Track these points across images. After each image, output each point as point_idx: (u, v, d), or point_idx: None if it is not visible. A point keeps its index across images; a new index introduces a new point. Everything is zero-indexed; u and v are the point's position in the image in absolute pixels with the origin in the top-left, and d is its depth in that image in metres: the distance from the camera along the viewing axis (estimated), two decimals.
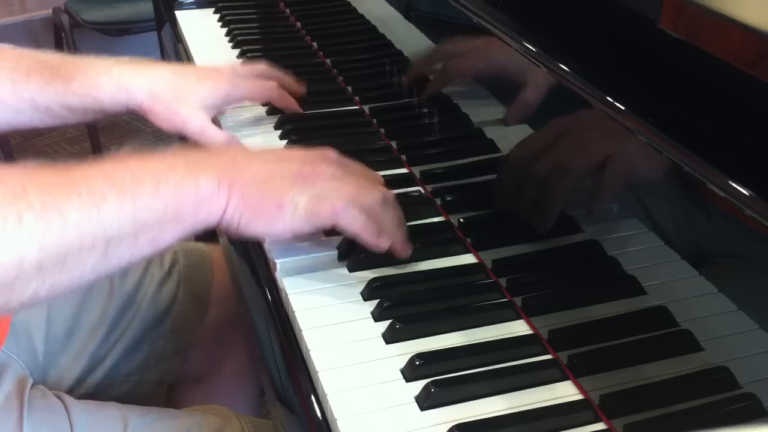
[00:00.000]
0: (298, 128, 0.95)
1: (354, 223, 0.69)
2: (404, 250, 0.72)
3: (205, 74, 0.92)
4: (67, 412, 0.83)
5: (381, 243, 0.70)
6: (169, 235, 0.64)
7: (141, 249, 0.63)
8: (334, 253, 0.75)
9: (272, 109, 1.00)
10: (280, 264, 0.73)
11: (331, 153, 0.73)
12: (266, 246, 0.76)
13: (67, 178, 0.60)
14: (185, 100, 0.87)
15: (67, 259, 0.58)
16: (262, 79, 0.95)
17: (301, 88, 0.99)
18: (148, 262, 1.03)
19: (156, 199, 0.62)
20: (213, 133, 0.88)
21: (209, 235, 1.00)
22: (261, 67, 0.98)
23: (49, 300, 0.60)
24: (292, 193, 0.67)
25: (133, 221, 0.61)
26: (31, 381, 0.87)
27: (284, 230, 0.68)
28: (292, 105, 0.97)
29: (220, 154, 0.70)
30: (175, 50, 1.26)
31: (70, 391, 0.95)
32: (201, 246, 1.11)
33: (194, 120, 0.87)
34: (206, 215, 0.66)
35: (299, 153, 0.73)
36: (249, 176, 0.67)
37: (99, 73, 0.86)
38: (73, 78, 0.85)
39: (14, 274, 0.56)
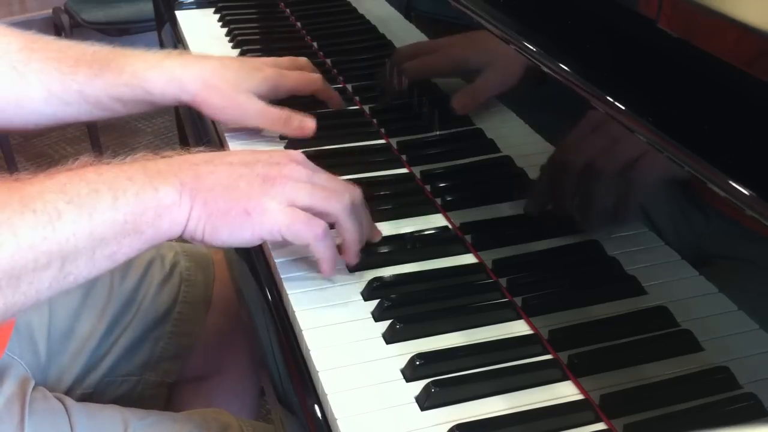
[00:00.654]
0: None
1: (325, 247, 0.67)
2: (354, 257, 0.71)
3: (254, 65, 0.91)
4: (68, 414, 0.83)
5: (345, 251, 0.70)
6: (128, 248, 0.62)
7: (99, 264, 0.61)
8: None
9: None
10: (280, 264, 0.73)
11: (297, 154, 0.71)
12: (267, 245, 0.76)
13: (21, 194, 0.58)
14: (239, 89, 0.86)
15: (21, 279, 0.57)
16: (306, 71, 0.95)
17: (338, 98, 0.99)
18: (149, 263, 1.03)
19: (114, 211, 0.60)
20: (274, 112, 0.87)
21: None
22: (303, 60, 0.98)
23: (4, 320, 0.58)
24: (259, 198, 0.65)
25: (90, 236, 0.59)
26: (32, 383, 0.87)
27: (252, 238, 0.66)
28: (335, 97, 0.97)
29: (180, 162, 0.67)
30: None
31: (70, 391, 0.95)
32: (202, 248, 1.11)
33: (252, 105, 0.86)
34: (168, 226, 0.63)
35: (265, 155, 0.70)
36: (212, 182, 0.65)
37: (150, 66, 0.85)
38: (124, 70, 0.84)
39: None
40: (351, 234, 0.69)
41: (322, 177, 0.70)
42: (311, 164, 0.71)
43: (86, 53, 0.86)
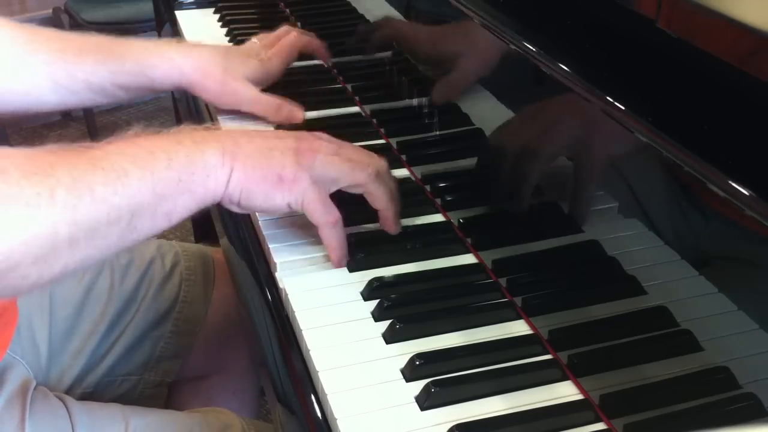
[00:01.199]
0: (297, 129, 0.95)
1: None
2: (394, 224, 0.75)
3: (246, 53, 0.96)
4: (69, 413, 0.84)
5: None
6: (182, 207, 0.66)
7: (158, 222, 0.65)
8: None
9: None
10: (280, 263, 0.73)
11: (321, 133, 0.75)
12: (267, 245, 0.76)
13: (88, 155, 0.62)
14: (234, 75, 0.91)
15: (96, 232, 0.60)
16: (283, 38, 1.00)
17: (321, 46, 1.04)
18: (150, 263, 1.03)
19: (170, 171, 0.65)
20: (267, 99, 0.92)
21: (210, 236, 1.01)
22: (282, 30, 1.02)
23: (76, 272, 0.64)
24: (292, 167, 0.69)
25: (153, 193, 0.63)
26: (34, 383, 0.87)
27: (281, 204, 0.70)
28: (319, 47, 1.02)
29: (221, 132, 0.72)
30: None
31: (71, 390, 0.95)
32: (203, 248, 1.11)
33: (247, 92, 0.91)
34: (214, 186, 0.68)
35: (295, 132, 0.75)
36: (249, 150, 0.69)
37: (152, 54, 0.89)
38: (127, 58, 0.88)
39: (49, 249, 0.58)
40: (380, 201, 0.73)
41: (348, 150, 0.74)
42: (336, 140, 0.75)
43: (89, 43, 0.89)
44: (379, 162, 0.74)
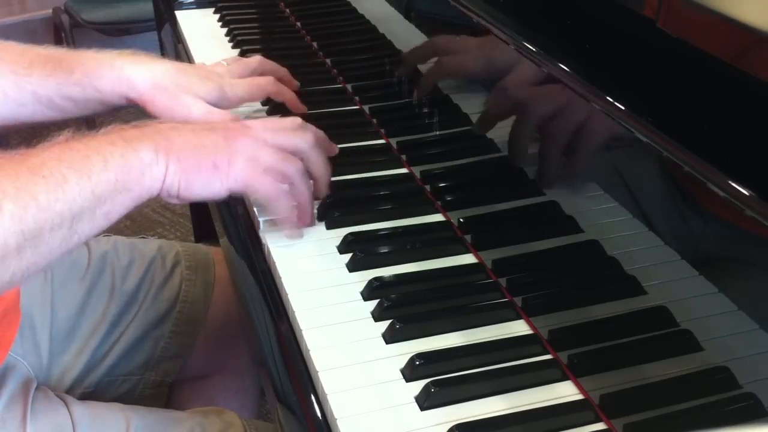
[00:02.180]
0: None
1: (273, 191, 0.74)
2: (325, 190, 0.79)
3: (206, 74, 0.92)
4: (70, 413, 0.84)
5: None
6: (120, 206, 0.68)
7: (98, 223, 0.67)
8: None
9: (272, 110, 1.00)
10: (280, 263, 0.73)
11: (253, 121, 0.78)
12: (268, 246, 0.76)
13: (28, 164, 0.63)
14: (188, 92, 0.88)
15: (40, 239, 0.62)
16: (258, 76, 0.96)
17: (296, 83, 1.00)
18: (151, 263, 1.03)
19: (107, 172, 0.66)
20: (218, 115, 0.89)
21: (211, 236, 1.01)
22: (255, 61, 0.98)
23: (20, 283, 0.65)
24: (224, 152, 0.72)
25: (92, 195, 0.65)
26: (35, 383, 0.87)
27: (221, 190, 0.72)
28: (291, 99, 0.97)
29: (151, 128, 0.72)
30: (175, 50, 1.26)
31: (72, 390, 0.95)
32: (203, 247, 1.11)
33: (197, 107, 0.88)
34: (150, 182, 0.69)
35: (224, 122, 0.79)
36: (181, 143, 0.71)
37: (101, 64, 0.86)
38: (75, 69, 0.86)
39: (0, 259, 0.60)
40: (301, 195, 0.76)
41: (278, 123, 0.78)
42: (263, 122, 0.79)
43: (41, 55, 0.87)
44: (306, 149, 0.77)
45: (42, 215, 0.62)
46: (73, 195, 0.64)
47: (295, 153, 0.76)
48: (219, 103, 0.90)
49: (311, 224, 0.78)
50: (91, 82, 0.86)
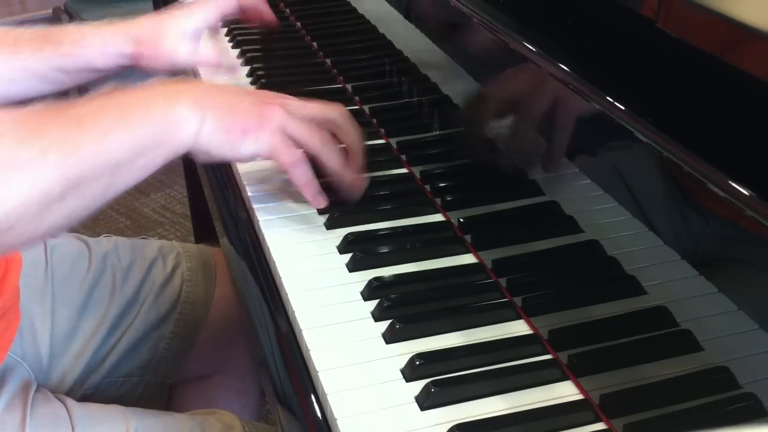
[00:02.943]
0: None
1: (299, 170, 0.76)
2: (353, 183, 0.79)
3: (178, 8, 0.97)
4: (69, 415, 0.83)
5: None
6: (158, 158, 0.70)
7: (136, 173, 0.69)
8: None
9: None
10: (280, 263, 0.73)
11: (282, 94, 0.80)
12: (268, 246, 0.76)
13: (73, 113, 0.66)
14: (167, 35, 0.92)
15: (83, 188, 0.64)
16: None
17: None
18: (151, 264, 1.03)
19: (147, 126, 0.69)
20: (203, 53, 0.96)
21: (211, 237, 1.01)
22: None
23: (62, 228, 0.66)
24: (256, 120, 0.74)
25: (131, 148, 0.67)
26: (35, 385, 0.87)
27: (247, 154, 0.75)
28: (266, 12, 1.02)
29: (192, 85, 0.76)
30: None
31: (72, 391, 0.95)
32: (203, 248, 1.11)
33: (181, 49, 0.93)
34: (186, 137, 0.71)
35: (263, 91, 0.83)
36: (218, 102, 0.73)
37: (86, 33, 0.91)
38: (62, 41, 0.89)
39: (43, 207, 0.62)
40: (331, 164, 0.77)
41: (307, 108, 0.79)
42: (301, 100, 0.80)
43: (24, 33, 0.91)
44: (337, 117, 0.79)
45: (85, 164, 0.64)
46: (115, 146, 0.66)
47: (326, 123, 0.78)
48: (201, 24, 0.95)
49: (361, 189, 0.80)
50: (79, 52, 0.90)
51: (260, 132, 0.74)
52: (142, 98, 0.70)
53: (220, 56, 0.99)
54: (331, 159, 0.77)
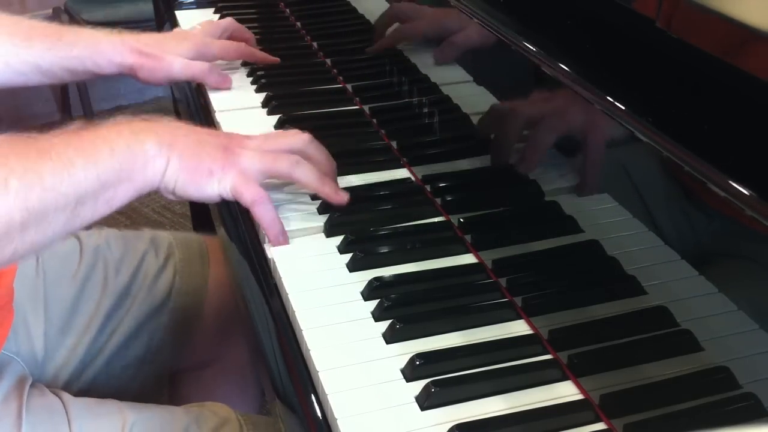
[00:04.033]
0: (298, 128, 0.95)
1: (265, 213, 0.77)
2: (335, 197, 0.79)
3: (183, 35, 1.07)
4: (66, 409, 0.83)
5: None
6: (122, 193, 0.71)
7: (100, 208, 0.70)
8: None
9: (267, 103, 1.01)
10: (280, 263, 0.73)
11: (251, 135, 0.82)
12: (269, 247, 0.76)
13: (37, 146, 0.67)
14: (167, 52, 1.00)
15: (44, 218, 0.65)
16: (230, 38, 1.10)
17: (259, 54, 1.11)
18: (143, 255, 1.03)
19: (112, 160, 0.70)
20: (197, 66, 1.02)
21: (205, 225, 1.01)
22: (226, 22, 1.12)
23: (22, 259, 0.70)
24: (221, 162, 0.76)
25: (96, 181, 0.68)
26: (30, 380, 0.87)
27: (213, 195, 0.77)
28: (261, 58, 1.10)
29: (158, 124, 0.77)
30: None
31: (68, 386, 0.95)
32: (196, 237, 1.11)
33: (177, 62, 1.00)
34: (152, 175, 0.73)
35: (227, 133, 0.85)
36: (184, 143, 0.75)
37: (99, 40, 0.98)
38: (76, 44, 0.96)
39: (3, 234, 0.63)
40: (308, 184, 0.79)
41: (272, 143, 0.81)
42: (263, 136, 0.82)
43: (36, 27, 0.96)
44: (303, 142, 0.81)
45: (47, 195, 0.65)
46: (78, 179, 0.67)
47: (291, 153, 0.79)
48: (196, 58, 1.03)
49: (344, 202, 0.79)
50: (91, 57, 0.96)
51: (224, 173, 0.76)
52: (108, 134, 0.71)
53: (212, 69, 1.03)
54: (304, 177, 0.78)
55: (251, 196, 0.76)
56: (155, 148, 0.73)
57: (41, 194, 0.64)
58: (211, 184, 0.76)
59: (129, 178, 0.71)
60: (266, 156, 0.78)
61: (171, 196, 0.76)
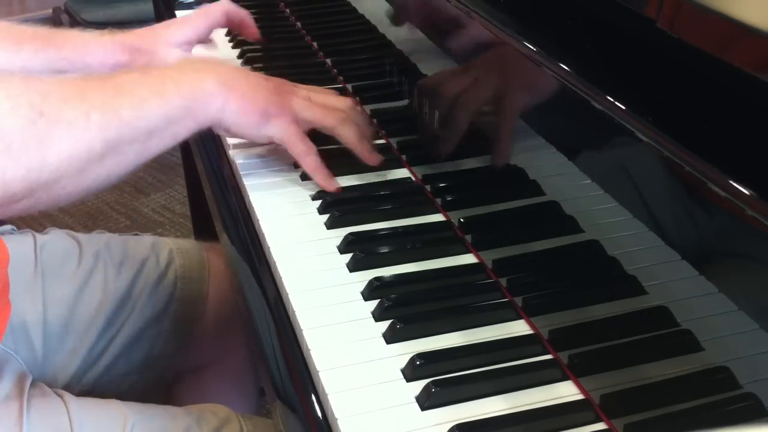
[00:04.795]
0: None
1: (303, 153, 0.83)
2: (369, 156, 0.85)
3: (170, 21, 1.06)
4: (67, 409, 0.84)
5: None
6: (186, 128, 0.77)
7: (166, 141, 0.75)
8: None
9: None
10: (280, 262, 0.73)
11: (300, 85, 0.88)
12: (269, 247, 0.76)
13: (113, 83, 0.73)
14: (159, 44, 0.99)
15: (120, 149, 0.71)
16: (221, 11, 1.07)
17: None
18: (144, 261, 1.03)
19: (179, 98, 0.75)
20: (194, 56, 1.02)
21: (211, 237, 1.01)
22: (220, 3, 1.09)
23: (100, 186, 0.73)
24: (275, 106, 0.81)
25: (165, 117, 0.74)
26: (30, 378, 0.87)
27: (264, 134, 0.82)
28: (250, 28, 1.09)
29: (218, 64, 0.82)
30: None
31: (69, 387, 0.95)
32: (196, 244, 1.12)
33: (172, 55, 0.99)
34: (212, 112, 0.78)
35: (277, 78, 0.87)
36: (241, 84, 0.80)
37: (88, 41, 0.97)
38: (64, 46, 0.95)
39: (85, 163, 0.68)
40: (349, 141, 0.84)
41: (321, 96, 0.86)
42: (313, 88, 0.88)
43: (25, 32, 0.95)
44: (348, 105, 0.86)
45: (123, 128, 0.70)
46: (149, 114, 0.72)
47: (336, 110, 0.85)
48: (191, 37, 1.02)
49: (377, 163, 0.85)
50: (81, 58, 0.95)
51: (278, 119, 0.81)
52: (174, 74, 0.77)
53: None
54: (346, 134, 0.83)
55: (302, 147, 0.82)
56: (215, 86, 0.78)
57: (119, 127, 0.70)
58: (265, 127, 0.81)
59: (192, 115, 0.76)
60: (316, 108, 0.83)
61: (224, 133, 0.83)
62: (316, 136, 0.85)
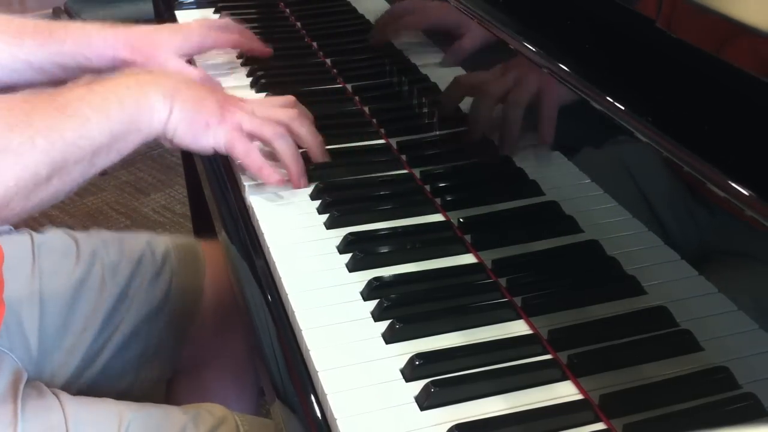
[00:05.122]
0: None
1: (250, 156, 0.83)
2: (298, 179, 0.85)
3: (177, 28, 1.07)
4: (63, 408, 0.83)
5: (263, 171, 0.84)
6: (132, 142, 0.78)
7: (112, 156, 0.77)
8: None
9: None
10: (279, 262, 0.73)
11: (244, 99, 0.88)
12: (269, 247, 0.76)
13: (56, 104, 0.74)
14: (160, 48, 1.00)
15: (65, 170, 0.73)
16: (227, 31, 1.09)
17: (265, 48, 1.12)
18: (140, 258, 1.03)
19: (122, 114, 0.77)
20: (190, 72, 1.02)
21: (211, 237, 1.01)
22: (224, 20, 1.14)
23: (47, 204, 0.75)
24: (217, 117, 0.82)
25: (110, 134, 0.76)
26: (26, 376, 0.87)
27: (207, 147, 0.83)
28: (258, 48, 1.11)
29: (161, 76, 0.84)
30: None
31: (66, 387, 0.95)
32: (192, 240, 1.12)
33: (170, 62, 1.00)
34: (156, 124, 0.79)
35: (224, 92, 0.90)
36: (185, 96, 0.81)
37: (90, 35, 0.98)
38: (66, 40, 0.97)
39: (32, 187, 0.70)
40: (282, 153, 0.84)
41: (262, 110, 0.87)
42: (256, 100, 0.90)
43: (27, 25, 0.98)
44: (290, 117, 0.86)
45: (68, 150, 0.72)
46: (93, 133, 0.74)
47: (279, 124, 0.85)
48: (192, 50, 1.05)
49: (303, 186, 0.85)
50: (82, 51, 0.97)
51: (219, 127, 0.82)
52: (117, 89, 0.78)
53: (205, 76, 1.03)
54: (280, 149, 0.84)
55: (241, 149, 0.83)
56: (159, 99, 0.79)
57: (63, 149, 0.72)
58: (207, 136, 0.82)
59: (137, 129, 0.78)
60: (256, 120, 0.84)
61: (169, 144, 0.82)
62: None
